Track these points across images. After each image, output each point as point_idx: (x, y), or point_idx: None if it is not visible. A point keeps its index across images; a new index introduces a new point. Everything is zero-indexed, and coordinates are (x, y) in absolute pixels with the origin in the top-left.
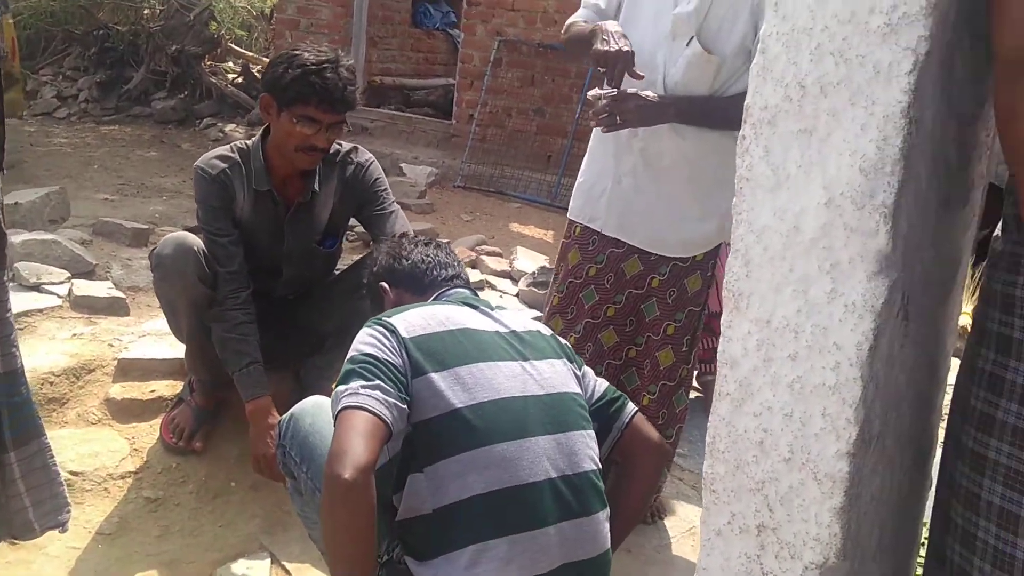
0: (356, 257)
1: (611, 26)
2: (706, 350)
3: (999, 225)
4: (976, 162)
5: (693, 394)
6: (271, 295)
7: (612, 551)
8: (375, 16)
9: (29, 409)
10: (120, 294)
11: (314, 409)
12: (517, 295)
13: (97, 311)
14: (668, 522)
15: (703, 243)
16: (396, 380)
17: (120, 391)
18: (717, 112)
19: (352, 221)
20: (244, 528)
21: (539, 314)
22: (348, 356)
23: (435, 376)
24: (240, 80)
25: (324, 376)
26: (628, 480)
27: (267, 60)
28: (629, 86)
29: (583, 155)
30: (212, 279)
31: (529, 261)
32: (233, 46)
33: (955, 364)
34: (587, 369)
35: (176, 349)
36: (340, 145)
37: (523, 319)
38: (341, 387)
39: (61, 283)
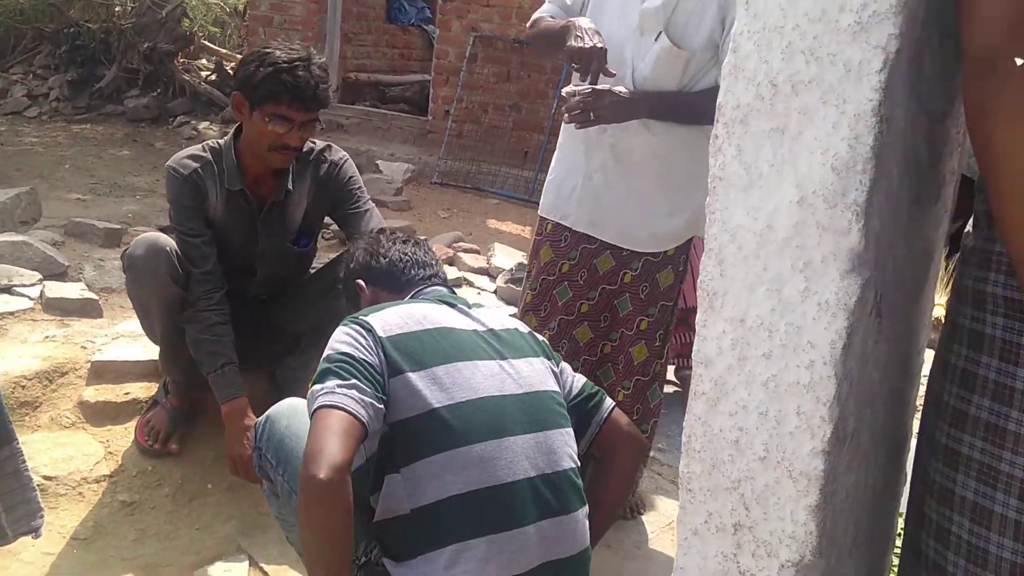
0: (332, 255)
1: (584, 23)
2: (684, 344)
3: (971, 220)
4: (947, 158)
5: (671, 388)
6: (245, 295)
7: (592, 547)
8: (349, 12)
9: (0, 414)
10: (93, 295)
11: (290, 411)
12: (495, 292)
13: (70, 313)
14: (647, 517)
15: (674, 238)
16: (372, 379)
17: (94, 394)
18: (687, 107)
19: (327, 219)
20: (221, 530)
21: (516, 311)
22: (324, 355)
23: (412, 376)
24: (214, 77)
25: (300, 376)
26: (606, 475)
27: (240, 57)
28: (600, 82)
29: None
30: (185, 280)
31: (507, 258)
32: (206, 43)
33: (930, 355)
34: (564, 365)
35: (150, 351)
36: (313, 143)
37: (501, 317)
38: (317, 386)
39: (33, 285)
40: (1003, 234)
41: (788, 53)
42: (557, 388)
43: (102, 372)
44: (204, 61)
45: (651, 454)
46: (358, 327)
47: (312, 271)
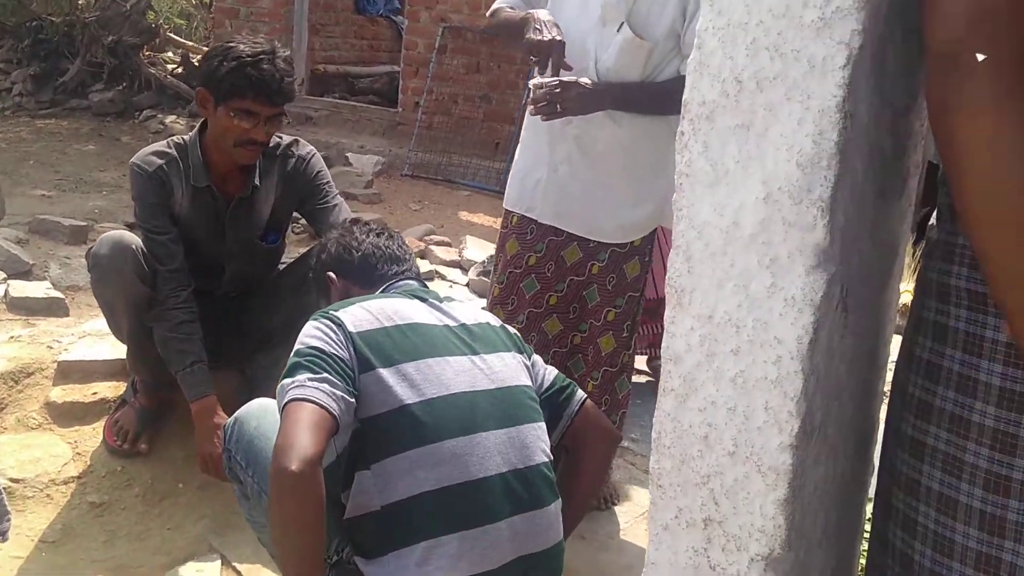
0: (301, 251)
1: (543, 15)
2: (656, 335)
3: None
4: (911, 152)
5: (644, 378)
6: (214, 293)
7: (565, 539)
8: (317, 3)
9: None
10: (59, 294)
11: (259, 412)
12: (467, 284)
13: (35, 312)
14: (622, 507)
15: (640, 228)
16: (343, 373)
17: (61, 394)
18: (651, 97)
19: (295, 214)
20: (193, 530)
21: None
22: (294, 349)
23: (383, 372)
24: (180, 70)
25: (271, 373)
26: (578, 467)
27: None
28: (563, 74)
29: None
30: (152, 278)
31: (478, 250)
32: (172, 35)
33: (897, 341)
34: (536, 358)
35: (118, 349)
36: (280, 138)
37: (472, 311)
38: (287, 380)
39: None
40: (966, 228)
41: (753, 49)
42: (529, 382)
43: (69, 372)
44: (170, 54)
45: (625, 444)
46: (328, 322)
47: (281, 267)
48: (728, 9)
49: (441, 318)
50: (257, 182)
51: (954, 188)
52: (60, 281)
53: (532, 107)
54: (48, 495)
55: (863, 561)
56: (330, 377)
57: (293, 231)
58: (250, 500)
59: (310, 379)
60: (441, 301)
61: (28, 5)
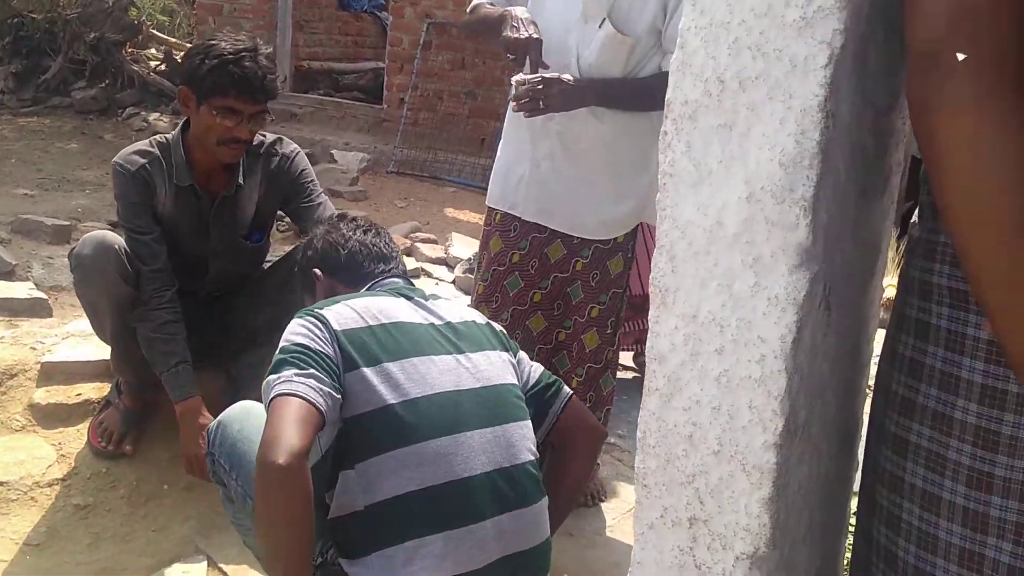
0: (287, 248)
1: (520, 12)
2: (642, 331)
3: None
4: (893, 150)
5: (631, 375)
6: (198, 293)
7: (551, 534)
8: None
9: None
10: (42, 295)
11: (242, 415)
12: (453, 282)
13: (18, 313)
14: (609, 503)
15: (623, 224)
16: (329, 370)
17: (45, 396)
18: (633, 93)
19: (280, 213)
20: (179, 531)
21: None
22: (279, 347)
23: (367, 371)
24: (163, 67)
25: (256, 373)
26: (564, 463)
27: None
28: (550, 69)
29: None
30: (135, 278)
31: (464, 247)
32: (155, 32)
33: (881, 336)
34: (522, 354)
35: (102, 350)
36: (264, 136)
37: (458, 309)
38: (273, 376)
39: None
40: (947, 226)
41: (735, 49)
42: (515, 380)
43: (52, 373)
44: (153, 51)
45: (612, 440)
46: (313, 319)
47: (266, 266)
48: (710, 8)
49: (426, 317)
50: (241, 181)
51: (935, 187)
52: (43, 281)
53: (514, 103)
54: (32, 497)
55: (848, 557)
56: (316, 373)
57: (278, 229)
58: (235, 503)
59: (297, 375)
60: (426, 299)
61: (9, 2)
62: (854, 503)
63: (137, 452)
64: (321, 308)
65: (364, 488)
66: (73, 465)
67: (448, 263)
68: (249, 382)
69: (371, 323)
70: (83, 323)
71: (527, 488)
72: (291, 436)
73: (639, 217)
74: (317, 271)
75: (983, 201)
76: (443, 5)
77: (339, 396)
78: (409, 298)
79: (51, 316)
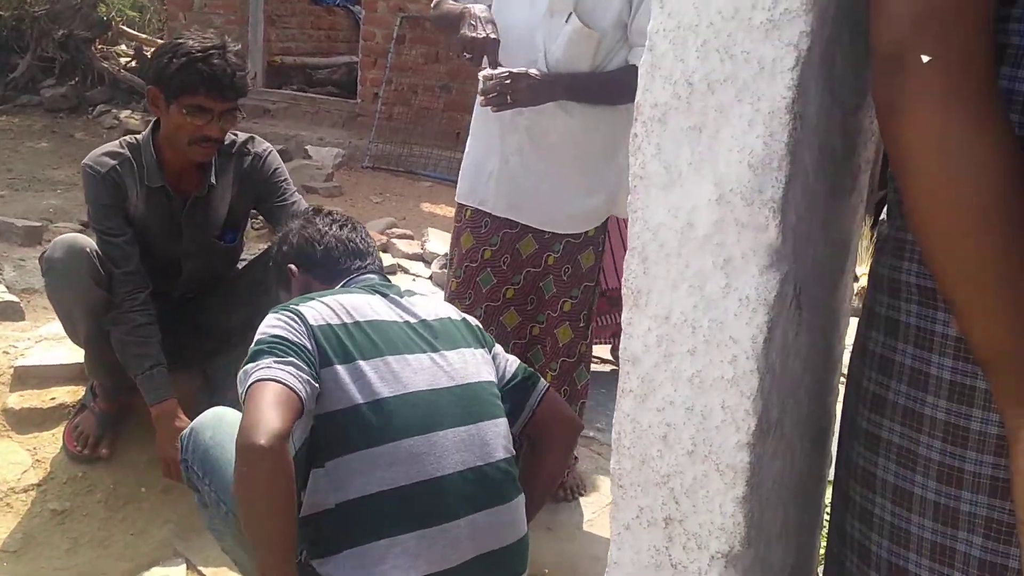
0: (262, 246)
1: (479, 11)
2: (619, 324)
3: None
4: (862, 149)
5: (609, 367)
6: (171, 294)
7: (527, 524)
8: None
9: None
10: (14, 298)
11: (214, 421)
12: (430, 277)
13: None
14: (588, 498)
15: (593, 217)
16: (308, 361)
17: (18, 400)
18: (601, 87)
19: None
20: (157, 534)
21: None
22: (255, 339)
23: (341, 368)
24: (134, 64)
25: (232, 373)
26: (541, 455)
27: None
28: (516, 65)
29: None
30: (108, 281)
31: (441, 242)
32: (125, 28)
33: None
34: (498, 348)
35: (76, 353)
36: (235, 135)
37: (434, 306)
38: (251, 364)
39: None
40: (912, 227)
41: (703, 52)
42: (490, 377)
43: (26, 378)
44: (123, 47)
45: (591, 434)
46: (289, 314)
47: (241, 265)
48: (678, 11)
49: (401, 315)
50: (213, 180)
51: (901, 188)
52: (15, 284)
53: (482, 98)
54: (8, 503)
55: (824, 552)
56: (295, 361)
57: (252, 227)
58: (209, 508)
59: (275, 362)
60: (402, 296)
61: None
62: (829, 497)
63: (113, 455)
64: (297, 304)
65: (335, 486)
66: (49, 470)
67: (425, 259)
68: (225, 383)
69: (346, 321)
70: (56, 326)
71: (502, 486)
72: (272, 418)
73: (609, 210)
74: (292, 267)
75: (949, 202)
76: None
77: (317, 386)
78: (385, 295)
79: (23, 319)
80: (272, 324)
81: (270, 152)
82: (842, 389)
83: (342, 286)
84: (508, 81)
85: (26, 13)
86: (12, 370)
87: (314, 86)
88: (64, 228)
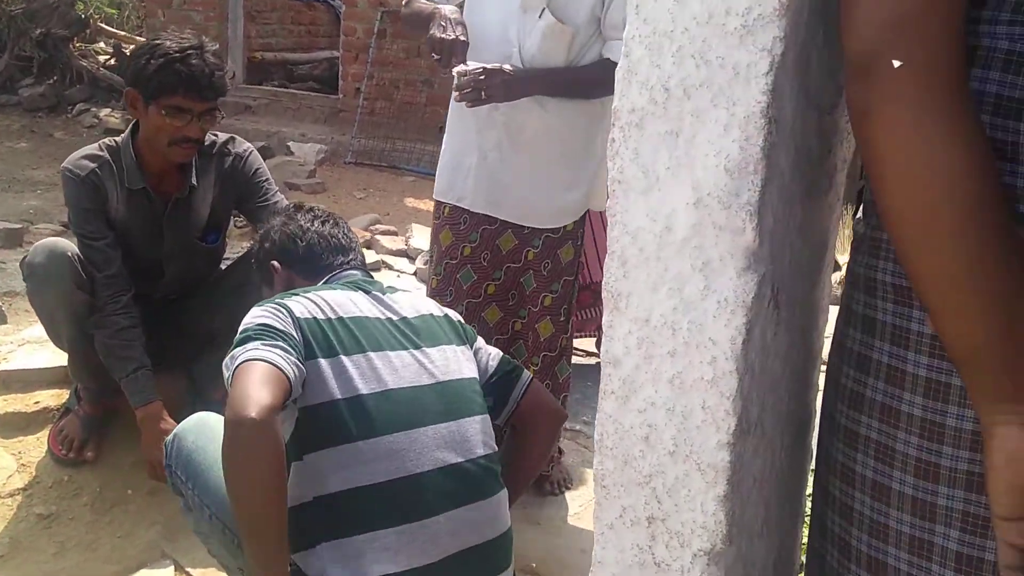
0: (245, 245)
1: (449, 11)
2: None
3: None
4: (837, 148)
5: (594, 360)
6: (154, 296)
7: (509, 505)
8: None
9: None
10: None
11: (197, 427)
12: (414, 273)
13: None
14: (575, 491)
15: (572, 212)
16: (295, 348)
17: (2, 404)
18: (576, 81)
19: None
20: (144, 536)
21: None
22: (240, 330)
23: (324, 362)
24: (113, 62)
25: (217, 374)
26: (525, 446)
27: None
28: (490, 61)
29: None
30: (90, 285)
31: (425, 239)
32: (103, 26)
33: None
34: (480, 342)
35: (60, 356)
36: (216, 136)
37: (416, 302)
38: (237, 349)
39: None
40: (887, 227)
41: (679, 57)
42: (472, 374)
43: (9, 381)
44: (102, 45)
45: (577, 427)
46: (275, 306)
47: (224, 265)
48: (653, 17)
49: (384, 311)
50: (194, 182)
51: (875, 190)
52: None
53: (457, 94)
54: None
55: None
56: (283, 345)
57: (235, 225)
58: (193, 512)
59: (263, 344)
60: (384, 293)
61: None
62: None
63: (99, 458)
64: (281, 298)
65: (312, 480)
66: (34, 474)
67: (409, 255)
68: (210, 384)
69: (330, 316)
70: (39, 330)
71: (483, 482)
72: (261, 394)
73: (587, 204)
74: (275, 263)
75: (922, 205)
76: None
77: (304, 370)
78: (367, 292)
79: (5, 323)
80: (257, 315)
81: (251, 152)
82: (822, 381)
83: (325, 282)
84: (483, 77)
85: (3, 12)
86: None
87: (295, 82)
88: (45, 229)
